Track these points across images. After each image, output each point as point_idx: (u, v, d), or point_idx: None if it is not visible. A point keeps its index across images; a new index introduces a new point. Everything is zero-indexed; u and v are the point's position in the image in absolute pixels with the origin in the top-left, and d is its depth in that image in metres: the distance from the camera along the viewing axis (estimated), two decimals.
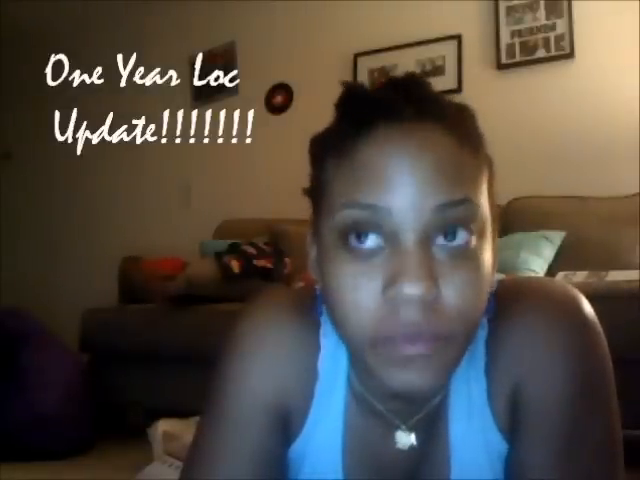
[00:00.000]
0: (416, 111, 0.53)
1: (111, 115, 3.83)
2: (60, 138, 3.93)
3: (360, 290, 0.51)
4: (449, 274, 0.50)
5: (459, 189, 0.52)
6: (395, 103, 0.53)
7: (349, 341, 0.55)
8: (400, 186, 0.50)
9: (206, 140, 3.55)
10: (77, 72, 3.96)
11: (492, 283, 0.56)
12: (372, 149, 0.52)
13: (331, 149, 0.56)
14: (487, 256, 0.54)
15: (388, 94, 0.54)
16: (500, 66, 2.86)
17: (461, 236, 0.51)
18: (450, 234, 0.51)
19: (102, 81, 3.87)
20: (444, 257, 0.51)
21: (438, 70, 2.97)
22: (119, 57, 3.83)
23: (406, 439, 0.61)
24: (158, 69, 3.74)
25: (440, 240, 0.51)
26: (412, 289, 0.48)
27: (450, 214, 0.51)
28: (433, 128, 0.53)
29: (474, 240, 0.52)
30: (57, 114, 3.96)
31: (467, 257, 0.52)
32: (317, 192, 0.58)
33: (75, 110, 3.94)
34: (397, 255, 0.51)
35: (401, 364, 0.51)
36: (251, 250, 2.43)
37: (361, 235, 0.52)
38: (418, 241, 0.50)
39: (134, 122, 3.78)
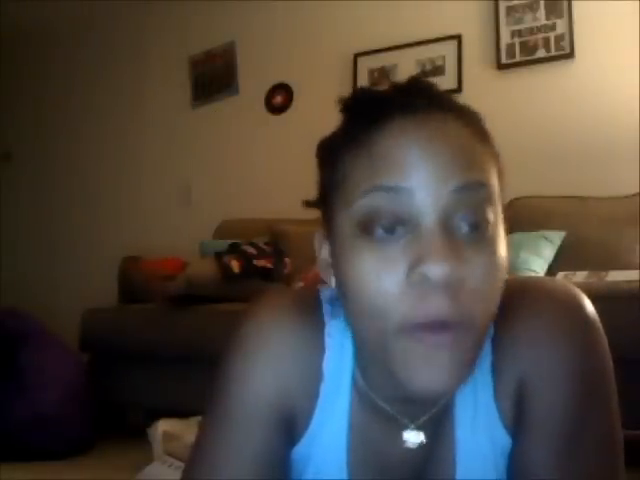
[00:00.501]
0: (427, 103, 0.55)
1: (111, 115, 3.84)
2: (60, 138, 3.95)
3: (384, 277, 0.51)
4: (471, 257, 0.51)
5: (474, 174, 0.53)
6: (407, 97, 0.55)
7: (371, 333, 0.54)
8: (418, 170, 0.51)
9: (206, 140, 3.56)
10: (77, 72, 3.97)
11: (505, 276, 0.56)
12: (389, 140, 0.53)
13: (346, 144, 0.56)
14: (502, 247, 0.54)
15: (397, 91, 0.57)
16: (500, 66, 2.86)
17: (479, 220, 0.52)
18: (469, 219, 0.52)
19: (102, 81, 3.88)
20: (464, 241, 0.51)
21: (438, 70, 2.97)
22: (119, 57, 3.84)
23: (415, 437, 0.61)
24: (158, 69, 3.75)
25: (460, 225, 0.52)
26: (438, 270, 0.48)
27: (468, 196, 0.52)
28: (445, 118, 0.54)
29: (491, 226, 0.53)
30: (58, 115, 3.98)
31: (485, 243, 0.52)
32: (329, 190, 0.58)
33: (75, 110, 3.95)
34: (419, 238, 0.51)
35: (423, 360, 0.50)
36: (251, 250, 2.43)
37: (382, 221, 0.52)
38: (439, 223, 0.51)
39: (134, 122, 3.78)
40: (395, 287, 0.51)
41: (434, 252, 0.49)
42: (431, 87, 0.58)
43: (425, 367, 0.50)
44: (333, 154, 0.58)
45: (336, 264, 0.57)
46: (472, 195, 0.52)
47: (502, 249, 0.54)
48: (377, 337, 0.53)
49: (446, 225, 0.51)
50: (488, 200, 0.53)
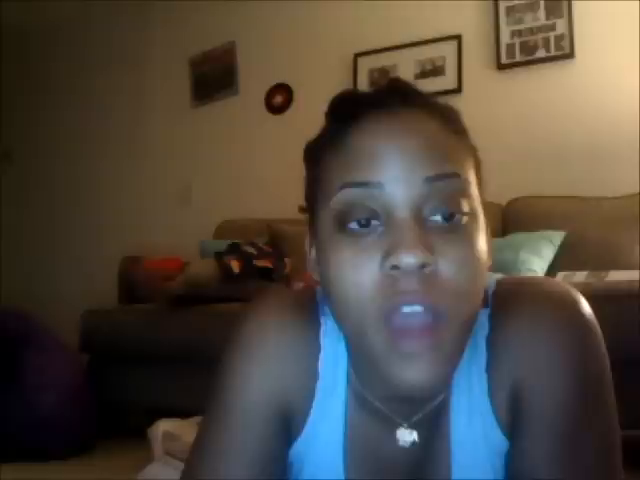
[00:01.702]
0: (402, 100, 0.56)
1: (111, 115, 3.84)
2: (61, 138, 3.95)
3: (359, 268, 0.52)
4: (443, 248, 0.52)
5: (447, 165, 0.54)
6: (382, 96, 0.57)
7: (351, 327, 0.55)
8: (390, 163, 0.53)
9: (206, 140, 3.56)
10: (78, 72, 3.97)
11: (487, 269, 0.57)
12: (362, 135, 0.55)
13: (326, 144, 0.58)
14: (480, 238, 0.55)
15: (375, 91, 0.59)
16: (500, 66, 2.86)
17: (453, 211, 0.53)
18: (442, 210, 0.53)
19: (103, 81, 3.88)
20: (438, 233, 0.52)
21: (438, 70, 2.97)
22: (119, 57, 3.84)
23: (408, 436, 0.62)
24: (158, 69, 3.75)
25: (433, 216, 0.53)
26: (409, 258, 0.50)
27: (440, 187, 0.53)
28: (418, 113, 0.56)
29: (466, 218, 0.53)
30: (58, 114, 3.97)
31: (460, 234, 0.53)
32: (313, 189, 0.60)
33: (75, 110, 3.95)
34: (392, 230, 0.52)
35: (401, 358, 0.51)
36: (251, 250, 2.43)
37: (356, 215, 0.53)
38: (411, 214, 0.52)
39: (134, 122, 3.78)
40: (370, 278, 0.52)
41: (405, 242, 0.50)
42: (407, 85, 0.59)
43: (404, 365, 0.51)
44: (315, 155, 0.60)
45: (320, 261, 0.58)
46: (444, 186, 0.53)
47: (480, 241, 0.54)
48: (358, 332, 0.54)
49: (418, 216, 0.52)
50: (461, 191, 0.54)
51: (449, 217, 0.53)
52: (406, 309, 0.51)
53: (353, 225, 0.53)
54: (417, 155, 0.53)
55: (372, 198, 0.53)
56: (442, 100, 0.61)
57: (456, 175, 0.54)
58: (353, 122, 0.56)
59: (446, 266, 0.51)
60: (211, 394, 0.66)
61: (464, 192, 0.54)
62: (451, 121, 0.58)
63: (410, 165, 0.53)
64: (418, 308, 0.51)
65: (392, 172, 0.52)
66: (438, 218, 0.53)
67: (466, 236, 0.53)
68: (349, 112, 0.57)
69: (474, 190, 0.56)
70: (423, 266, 0.50)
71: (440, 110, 0.58)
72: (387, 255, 0.51)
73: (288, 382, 0.64)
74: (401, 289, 0.51)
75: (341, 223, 0.54)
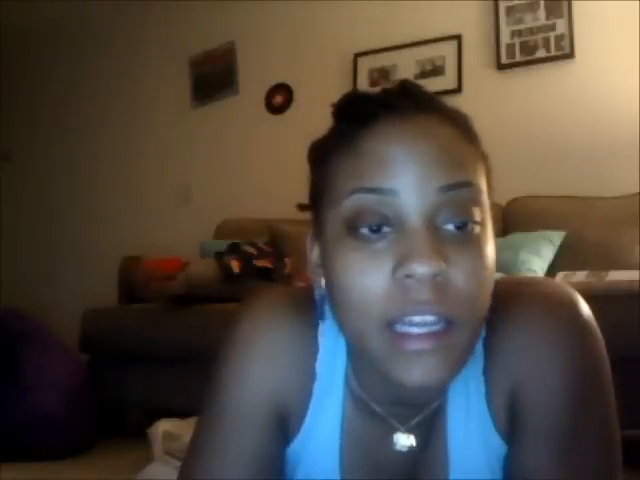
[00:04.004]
0: (414, 105, 0.55)
1: (111, 115, 3.84)
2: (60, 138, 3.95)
3: (369, 275, 0.52)
4: (456, 258, 0.51)
5: (461, 173, 0.53)
6: (394, 99, 0.56)
7: (356, 331, 0.54)
8: (404, 170, 0.52)
9: (206, 140, 3.56)
10: (77, 72, 3.97)
11: (494, 277, 0.56)
12: (375, 140, 0.54)
13: (334, 145, 0.57)
14: (490, 247, 0.54)
15: (387, 93, 0.58)
16: (500, 66, 2.86)
17: (465, 219, 0.52)
18: (455, 220, 0.52)
19: (102, 81, 3.88)
20: (450, 242, 0.52)
21: (438, 70, 2.97)
22: (119, 57, 3.84)
23: (405, 440, 0.61)
24: (158, 69, 3.75)
25: (445, 225, 0.52)
26: (422, 267, 0.49)
27: (453, 196, 0.52)
28: (431, 119, 0.55)
29: (478, 227, 0.53)
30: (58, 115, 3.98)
31: (472, 244, 0.52)
32: (319, 191, 0.59)
33: (75, 110, 3.95)
34: (404, 237, 0.51)
35: (406, 358, 0.51)
36: (251, 250, 2.43)
37: (367, 220, 0.52)
38: (424, 222, 0.51)
39: (134, 122, 3.78)
40: (380, 285, 0.51)
41: (418, 251, 0.50)
42: (419, 89, 0.58)
43: (409, 364, 0.51)
44: (322, 156, 0.59)
45: (325, 264, 0.57)
46: (458, 194, 0.52)
47: (489, 249, 0.54)
48: (361, 334, 0.53)
49: (431, 224, 0.52)
50: (474, 200, 0.54)
51: (462, 226, 0.52)
52: (417, 319, 0.50)
53: (364, 230, 0.53)
54: (432, 162, 0.52)
55: (384, 204, 0.52)
56: (452, 105, 0.60)
57: (470, 184, 0.53)
58: (365, 124, 0.55)
59: (458, 275, 0.51)
60: (207, 394, 0.65)
61: (477, 201, 0.54)
62: (464, 127, 0.57)
63: (425, 173, 0.52)
64: (430, 318, 0.50)
65: (406, 179, 0.52)
66: (451, 227, 0.52)
67: (477, 245, 0.53)
68: (360, 114, 0.56)
69: (485, 198, 0.55)
70: (436, 275, 0.50)
71: (453, 116, 0.57)
72: (400, 263, 0.50)
73: (285, 381, 0.63)
74: (413, 298, 0.50)
75: (351, 227, 0.53)
